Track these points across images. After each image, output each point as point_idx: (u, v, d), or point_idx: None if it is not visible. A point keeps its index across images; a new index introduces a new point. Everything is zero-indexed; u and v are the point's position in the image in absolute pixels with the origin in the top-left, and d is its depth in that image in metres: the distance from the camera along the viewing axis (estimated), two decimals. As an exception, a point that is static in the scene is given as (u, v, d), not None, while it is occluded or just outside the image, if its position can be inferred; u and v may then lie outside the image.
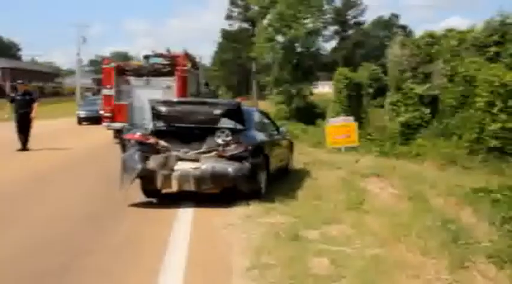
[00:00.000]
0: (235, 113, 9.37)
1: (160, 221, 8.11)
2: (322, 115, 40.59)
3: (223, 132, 9.12)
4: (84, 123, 33.30)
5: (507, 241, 7.78)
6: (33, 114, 17.24)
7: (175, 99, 10.91)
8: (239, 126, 9.30)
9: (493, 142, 17.54)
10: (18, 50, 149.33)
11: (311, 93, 61.80)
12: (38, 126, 18.19)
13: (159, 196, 9.41)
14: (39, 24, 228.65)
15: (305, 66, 60.15)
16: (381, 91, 32.46)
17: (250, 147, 9.00)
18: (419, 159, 18.78)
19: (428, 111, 23.33)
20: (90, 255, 6.36)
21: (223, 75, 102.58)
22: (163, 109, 9.55)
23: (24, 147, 17.13)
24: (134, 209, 8.92)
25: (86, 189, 10.98)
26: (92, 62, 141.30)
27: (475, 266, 6.17)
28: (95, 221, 8.22)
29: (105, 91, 19.34)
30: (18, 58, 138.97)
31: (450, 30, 24.47)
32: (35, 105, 17.49)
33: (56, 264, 5.96)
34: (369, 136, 25.61)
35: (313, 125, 38.39)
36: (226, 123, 9.31)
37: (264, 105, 68.32)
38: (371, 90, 29.97)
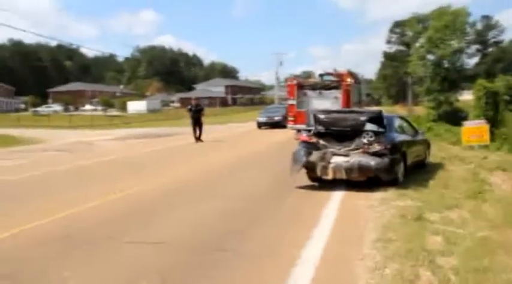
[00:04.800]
0: (377, 119, 9.20)
1: (318, 199, 8.21)
2: (466, 118, 38.07)
3: (367, 134, 8.97)
4: (263, 127, 31.68)
5: None
6: (202, 119, 20.75)
7: (331, 109, 10.86)
8: (380, 129, 9.08)
9: None
10: (237, 72, 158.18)
11: (457, 100, 58.23)
12: (229, 128, 19.69)
13: (320, 181, 9.46)
14: (253, 53, 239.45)
15: (451, 79, 56.83)
16: (517, 98, 29.75)
17: (389, 146, 8.79)
18: (545, 156, 16.75)
19: (556, 114, 20.80)
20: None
21: (385, 86, 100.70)
22: (322, 116, 9.63)
23: (199, 139, 20.40)
24: (300, 190, 9.10)
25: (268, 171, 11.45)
26: (287, 79, 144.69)
27: None
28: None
29: (289, 102, 19.89)
30: (236, 78, 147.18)
31: None
32: (203, 112, 21.09)
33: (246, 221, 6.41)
34: (504, 136, 23.59)
35: (458, 126, 36.05)
36: (370, 126, 9.14)
37: (417, 109, 65.70)
38: (506, 97, 27.38)
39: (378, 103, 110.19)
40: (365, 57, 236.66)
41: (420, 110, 62.26)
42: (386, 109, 47.59)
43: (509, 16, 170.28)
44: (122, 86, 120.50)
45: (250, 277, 4.64)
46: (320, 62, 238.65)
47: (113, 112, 69.29)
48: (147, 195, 8.90)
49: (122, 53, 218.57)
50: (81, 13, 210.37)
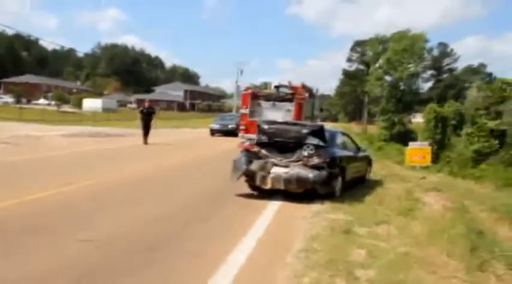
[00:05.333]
0: (319, 133, 9.37)
1: (254, 208, 8.28)
2: (415, 140, 39.40)
3: (308, 147, 9.13)
4: (216, 134, 31.49)
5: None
6: (153, 122, 20.84)
7: (274, 120, 10.97)
8: (321, 143, 9.26)
9: (547, 173, 16.11)
10: (198, 78, 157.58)
11: (410, 122, 60.08)
12: (183, 132, 19.34)
13: (260, 190, 9.54)
14: (217, 60, 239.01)
15: (406, 101, 58.80)
16: (462, 124, 31.13)
17: (328, 159, 8.97)
18: (481, 180, 17.58)
19: (497, 142, 21.88)
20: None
21: (342, 103, 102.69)
22: (265, 126, 9.73)
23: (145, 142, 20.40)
24: (239, 197, 9.17)
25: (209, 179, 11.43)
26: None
27: (494, 270, 5.73)
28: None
29: (242, 111, 19.90)
30: (197, 84, 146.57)
31: (520, 77, 22.84)
32: (154, 116, 21.18)
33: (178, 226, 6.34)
34: (447, 159, 24.59)
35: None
36: (311, 140, 9.30)
37: (371, 128, 67.33)
38: (454, 122, 28.53)
39: (335, 119, 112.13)
40: (328, 73, 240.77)
41: (374, 129, 63.90)
42: (341, 126, 48.70)
43: (462, 46, 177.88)
44: (79, 82, 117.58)
45: (171, 278, 4.66)
46: (284, 74, 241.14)
47: (67, 108, 67.52)
48: (81, 193, 8.72)
49: (82, 48, 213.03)
50: (43, 4, 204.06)
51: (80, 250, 5.29)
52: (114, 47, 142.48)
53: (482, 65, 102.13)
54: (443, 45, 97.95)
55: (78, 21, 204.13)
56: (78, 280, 4.39)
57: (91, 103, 72.95)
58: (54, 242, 5.53)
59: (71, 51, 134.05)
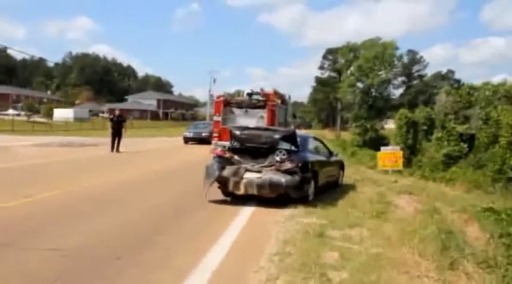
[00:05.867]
0: (291, 138, 9.41)
1: (227, 214, 8.24)
2: (387, 145, 39.92)
3: (280, 152, 9.14)
4: (190, 142, 31.59)
5: (500, 251, 7.31)
6: (123, 130, 21.00)
7: (246, 126, 10.97)
8: (293, 148, 9.31)
9: (512, 174, 16.56)
10: (171, 86, 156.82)
11: (382, 128, 61.05)
12: (157, 141, 19.11)
13: (233, 196, 9.52)
14: (189, 69, 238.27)
15: (378, 107, 59.67)
16: (433, 128, 31.69)
17: (300, 164, 8.98)
18: (452, 183, 17.93)
19: (466, 146, 22.39)
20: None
21: (316, 110, 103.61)
22: (238, 132, 9.72)
23: (117, 150, 20.58)
24: (211, 203, 9.10)
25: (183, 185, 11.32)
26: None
27: (464, 269, 5.80)
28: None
29: (215, 118, 19.90)
30: (171, 92, 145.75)
31: (486, 83, 23.43)
32: (124, 124, 21.37)
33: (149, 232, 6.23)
34: (419, 163, 24.96)
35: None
36: (283, 145, 9.34)
37: (345, 135, 68.07)
38: (425, 127, 29.00)
39: (309, 126, 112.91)
40: (300, 81, 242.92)
41: (347, 135, 64.61)
42: (315, 133, 48.93)
43: (431, 53, 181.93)
44: (49, 92, 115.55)
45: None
46: (257, 82, 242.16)
47: (37, 118, 66.29)
48: (50, 202, 8.53)
49: (53, 58, 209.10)
50: (11, 13, 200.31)
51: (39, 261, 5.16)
52: (85, 56, 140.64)
53: (451, 71, 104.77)
54: (412, 53, 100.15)
55: (47, 30, 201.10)
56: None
57: (62, 113, 71.91)
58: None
59: (41, 61, 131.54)
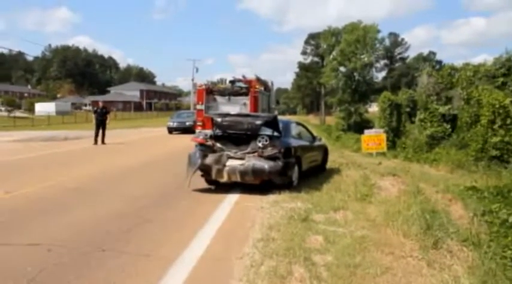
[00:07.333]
0: (273, 123, 9.32)
1: (211, 201, 8.17)
2: (372, 128, 40.19)
3: (263, 138, 9.07)
4: (174, 132, 31.14)
5: (483, 228, 7.39)
6: (107, 122, 20.92)
7: (227, 112, 10.85)
8: (276, 133, 9.23)
9: (494, 152, 16.65)
10: (154, 77, 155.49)
11: (366, 111, 61.07)
12: (141, 132, 18.93)
13: (217, 184, 9.46)
14: (172, 59, 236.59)
15: (361, 91, 59.64)
16: (416, 110, 31.82)
17: (282, 150, 8.91)
18: (435, 163, 18.04)
19: (449, 126, 22.44)
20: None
21: (300, 96, 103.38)
22: (219, 119, 9.61)
23: (102, 142, 20.59)
24: (196, 192, 9.04)
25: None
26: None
27: (448, 247, 5.84)
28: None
29: (198, 107, 19.68)
30: (154, 83, 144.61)
31: (467, 64, 23.47)
32: (108, 116, 21.20)
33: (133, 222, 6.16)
34: (403, 145, 25.05)
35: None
36: (265, 131, 9.26)
37: (329, 120, 68.23)
38: (408, 109, 29.10)
39: (294, 112, 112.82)
40: (283, 67, 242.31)
41: (332, 120, 64.76)
42: (300, 119, 49.03)
43: (412, 35, 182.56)
44: (30, 87, 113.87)
45: (126, 275, 4.52)
46: (239, 69, 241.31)
47: (18, 113, 65.31)
48: (33, 197, 8.39)
49: (32, 51, 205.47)
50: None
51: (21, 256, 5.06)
52: (65, 49, 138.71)
53: (432, 53, 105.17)
54: (394, 35, 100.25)
55: (25, 22, 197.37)
56: None
57: (44, 107, 70.90)
58: None
59: (20, 55, 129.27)
